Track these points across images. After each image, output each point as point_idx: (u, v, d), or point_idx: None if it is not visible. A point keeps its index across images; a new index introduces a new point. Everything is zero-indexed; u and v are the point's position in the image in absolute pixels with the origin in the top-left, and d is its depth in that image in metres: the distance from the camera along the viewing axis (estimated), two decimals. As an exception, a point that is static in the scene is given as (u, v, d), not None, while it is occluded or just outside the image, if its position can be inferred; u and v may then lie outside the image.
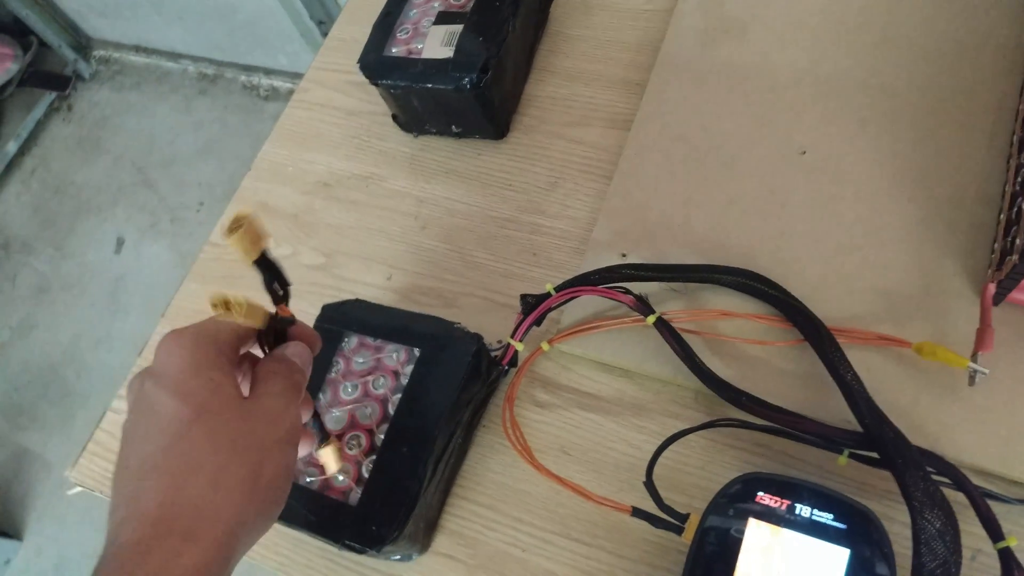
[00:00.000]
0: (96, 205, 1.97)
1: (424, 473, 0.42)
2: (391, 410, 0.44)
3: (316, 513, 0.43)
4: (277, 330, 0.38)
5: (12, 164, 2.09)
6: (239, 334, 0.36)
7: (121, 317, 1.79)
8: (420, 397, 0.44)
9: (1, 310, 1.87)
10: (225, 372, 0.33)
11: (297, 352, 0.37)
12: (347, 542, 0.42)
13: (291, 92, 0.69)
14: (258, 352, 0.38)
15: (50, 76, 2.14)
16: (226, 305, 0.33)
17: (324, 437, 0.40)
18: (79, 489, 0.56)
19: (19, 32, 2.12)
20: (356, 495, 0.43)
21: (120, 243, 1.89)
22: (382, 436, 0.43)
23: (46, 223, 1.98)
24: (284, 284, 0.38)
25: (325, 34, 0.72)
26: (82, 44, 2.16)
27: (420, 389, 0.44)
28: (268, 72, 1.96)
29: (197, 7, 1.78)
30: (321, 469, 0.42)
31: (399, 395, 0.44)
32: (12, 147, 2.08)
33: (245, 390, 0.34)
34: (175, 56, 2.08)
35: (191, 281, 0.62)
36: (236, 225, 0.34)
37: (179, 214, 1.88)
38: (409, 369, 0.45)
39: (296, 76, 1.89)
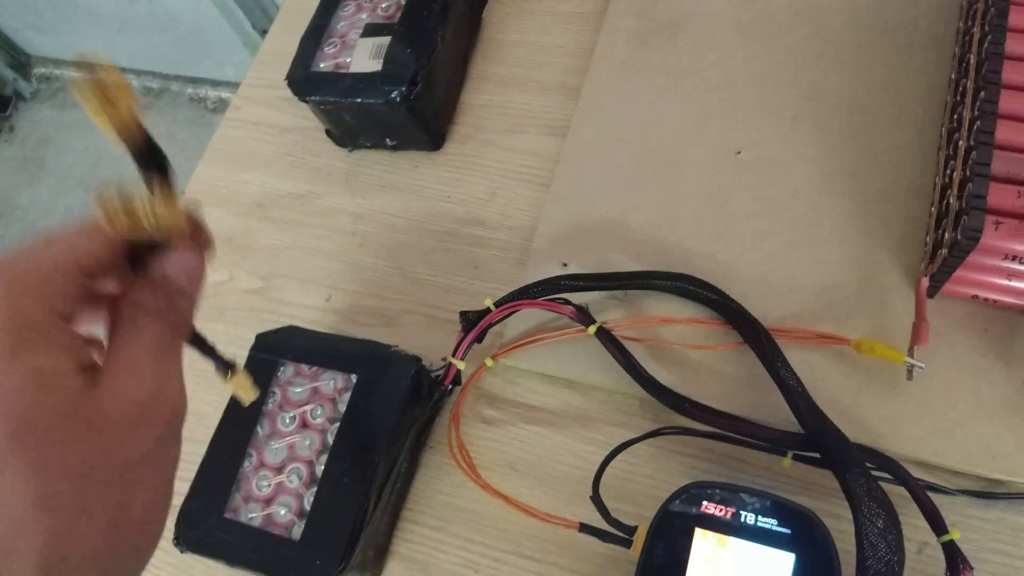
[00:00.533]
0: (43, 228, 1.92)
1: (367, 502, 0.41)
2: (330, 439, 0.43)
3: (258, 550, 0.42)
4: (152, 238, 0.26)
5: (-48, 190, 2.02)
6: (85, 265, 0.24)
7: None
8: (359, 424, 0.43)
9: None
10: (58, 350, 0.22)
11: (179, 267, 0.26)
12: (291, 577, 0.41)
13: (235, 105, 0.67)
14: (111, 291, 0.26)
15: (-12, 97, 2.08)
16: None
17: (226, 366, 0.32)
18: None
19: (-48, 53, 2.05)
20: (299, 529, 0.42)
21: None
22: (322, 467, 0.42)
23: (-9, 249, 1.92)
24: (160, 158, 0.26)
25: (263, 36, 0.70)
26: (21, 62, 2.10)
27: (358, 416, 0.43)
28: (215, 84, 1.92)
29: (137, 20, 1.73)
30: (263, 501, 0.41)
31: (337, 424, 0.43)
32: (-49, 172, 2.01)
33: (101, 356, 0.24)
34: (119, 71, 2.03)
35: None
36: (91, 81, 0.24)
37: (130, 233, 1.83)
38: (347, 396, 0.44)
39: (243, 86, 1.85)
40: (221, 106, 1.92)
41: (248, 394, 0.34)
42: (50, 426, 0.21)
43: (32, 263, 0.23)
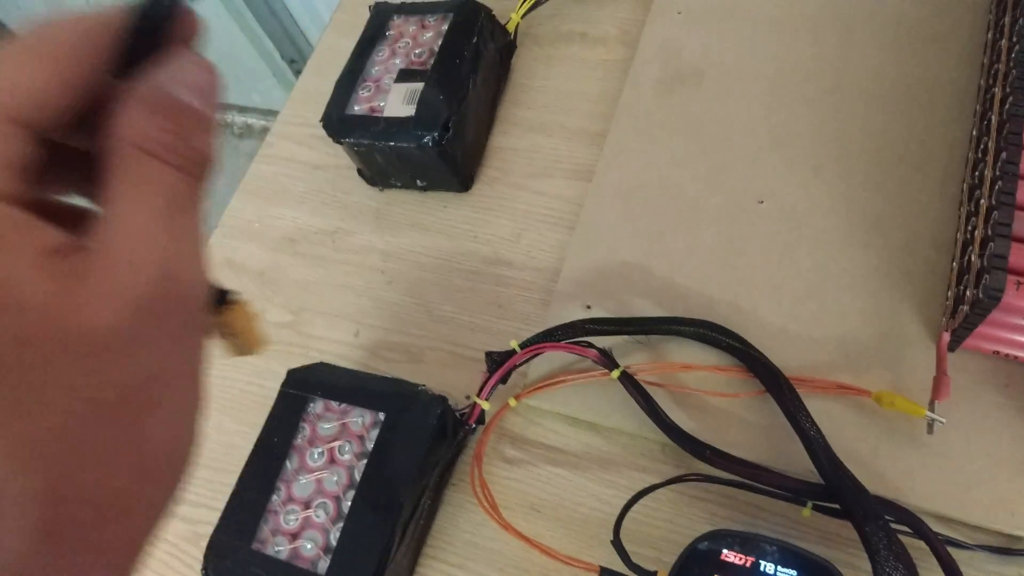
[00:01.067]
0: None
1: (392, 539, 0.42)
2: (357, 476, 0.44)
3: (284, 583, 0.42)
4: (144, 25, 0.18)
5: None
6: (31, 115, 0.17)
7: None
8: (386, 462, 0.44)
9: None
10: (9, 242, 0.16)
11: (186, 78, 0.19)
12: (316, 612, 0.42)
13: (265, 129, 0.69)
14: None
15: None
16: None
17: (220, 296, 0.24)
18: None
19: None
20: (325, 564, 0.43)
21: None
22: (348, 503, 0.43)
23: None
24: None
25: (298, 72, 0.73)
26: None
27: (385, 454, 0.44)
28: (242, 110, 1.96)
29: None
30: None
31: (364, 460, 0.44)
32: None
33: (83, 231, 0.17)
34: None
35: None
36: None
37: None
38: (374, 434, 0.45)
39: (270, 113, 1.89)
40: (247, 132, 1.96)
41: (248, 342, 0.25)
42: (11, 356, 0.15)
43: None
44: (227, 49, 1.66)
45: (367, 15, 0.64)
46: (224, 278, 0.62)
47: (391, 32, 0.61)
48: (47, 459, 0.15)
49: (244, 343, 0.25)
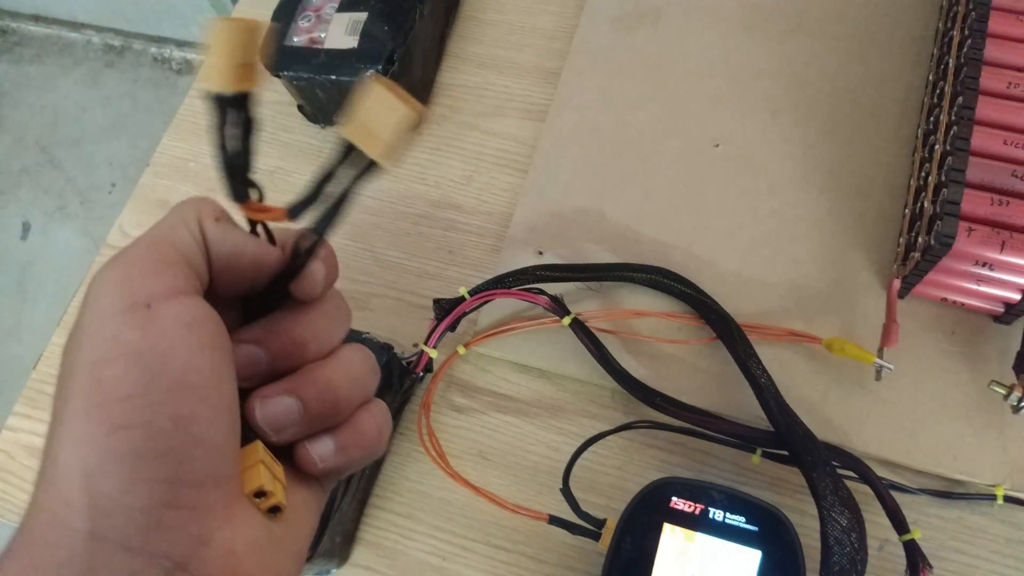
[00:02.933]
0: (-3, 189, 1.85)
1: (335, 488, 0.41)
2: (299, 426, 0.42)
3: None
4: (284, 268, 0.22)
5: (-100, 146, 1.94)
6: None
7: (30, 306, 1.69)
8: (329, 412, 0.42)
9: None
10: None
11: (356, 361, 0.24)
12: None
13: (194, 76, 0.65)
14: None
15: (-62, 49, 1.98)
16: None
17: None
18: (-29, 514, 0.52)
19: (-101, 1, 1.95)
20: (266, 516, 0.41)
21: (26, 228, 1.78)
22: (290, 454, 0.42)
23: (-58, 209, 1.85)
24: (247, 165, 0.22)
25: (235, 2, 0.68)
26: (-26, 14, 2.01)
27: (329, 403, 0.42)
28: (180, 44, 1.86)
29: (98, -26, 1.67)
30: None
31: (307, 411, 0.42)
32: (-101, 127, 1.93)
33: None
34: (78, 26, 1.95)
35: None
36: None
37: (89, 196, 1.78)
38: (317, 383, 0.43)
39: (210, 48, 1.79)
40: (186, 68, 1.86)
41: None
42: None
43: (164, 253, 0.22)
44: (163, -22, 1.57)
45: (307, -62, 0.59)
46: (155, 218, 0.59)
47: (332, -44, 0.57)
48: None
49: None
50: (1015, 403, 0.37)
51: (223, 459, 0.20)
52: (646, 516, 0.37)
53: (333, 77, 0.52)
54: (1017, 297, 0.39)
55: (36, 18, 1.99)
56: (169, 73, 1.88)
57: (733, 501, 0.37)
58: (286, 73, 0.53)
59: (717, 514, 0.37)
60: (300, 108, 0.59)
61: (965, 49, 0.42)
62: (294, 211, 0.23)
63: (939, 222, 0.37)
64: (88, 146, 1.86)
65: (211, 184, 0.59)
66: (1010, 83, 0.40)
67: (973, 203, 0.37)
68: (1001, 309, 0.41)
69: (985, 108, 0.40)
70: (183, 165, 0.61)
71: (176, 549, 0.18)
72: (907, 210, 0.44)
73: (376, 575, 0.45)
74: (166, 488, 0.18)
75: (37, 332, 1.66)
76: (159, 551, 0.18)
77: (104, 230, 0.58)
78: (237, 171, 0.22)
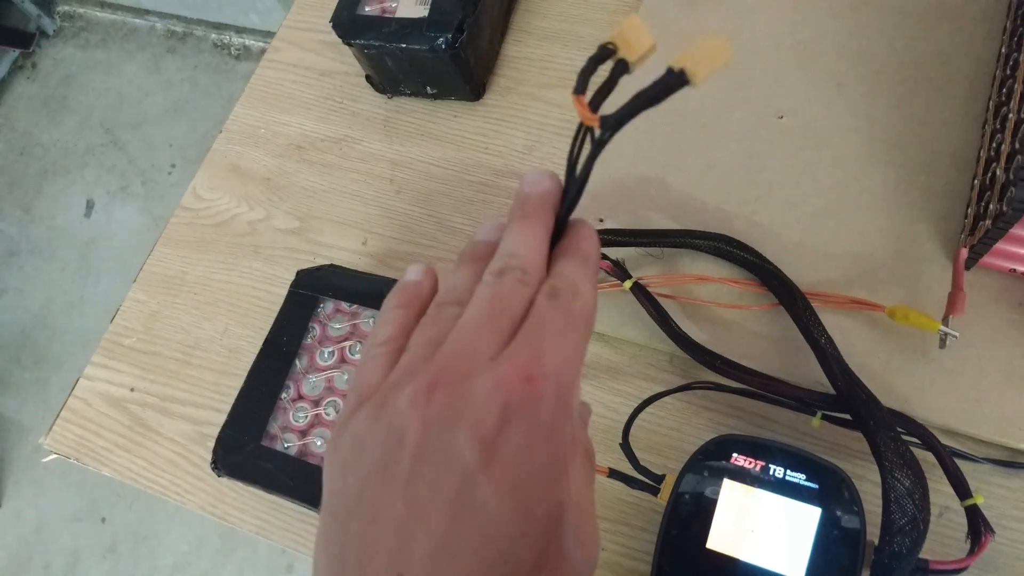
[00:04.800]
0: (64, 167, 1.92)
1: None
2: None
3: (295, 478, 0.43)
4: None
5: (-26, 124, 2.02)
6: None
7: (93, 281, 1.76)
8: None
9: (-31, 275, 1.83)
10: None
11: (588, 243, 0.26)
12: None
13: (263, 51, 0.67)
14: None
15: (13, 33, 2.07)
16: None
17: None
18: (54, 456, 0.55)
19: (-23, -14, 2.04)
20: (333, 460, 0.43)
21: (90, 206, 1.85)
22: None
23: (12, 185, 1.93)
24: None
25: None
26: (45, -1, 2.09)
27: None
28: (239, 31, 1.91)
29: (164, -38, 1.72)
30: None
31: (376, 361, 0.44)
32: (-26, 107, 2.01)
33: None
34: (142, 12, 2.02)
35: (162, 246, 0.61)
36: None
37: (150, 176, 1.84)
38: (386, 335, 0.44)
39: (268, 35, 1.84)
40: (245, 53, 1.91)
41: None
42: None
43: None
44: (225, -35, 1.61)
45: (379, -87, 0.61)
46: (229, 184, 0.61)
47: (404, -69, 0.58)
48: None
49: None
50: (1086, 372, 0.37)
51: None
52: (707, 471, 0.38)
53: (403, 45, 0.53)
54: (1091, 267, 0.39)
55: (102, 4, 2.07)
56: (228, 59, 1.93)
57: (794, 458, 0.37)
58: (357, 41, 0.55)
59: (778, 471, 0.37)
60: (368, 78, 0.61)
61: (1043, 19, 0.41)
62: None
63: (1012, 188, 0.37)
64: (150, 128, 1.92)
65: (279, 150, 0.61)
66: (1090, 51, 0.39)
67: (1048, 170, 0.37)
68: (1073, 280, 0.40)
69: (1063, 76, 0.39)
70: (254, 132, 0.63)
71: None
72: (976, 181, 0.44)
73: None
74: None
75: (100, 305, 1.72)
76: None
77: (164, 209, 0.61)
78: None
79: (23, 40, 2.06)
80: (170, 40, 2.01)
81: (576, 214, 0.27)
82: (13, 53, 2.06)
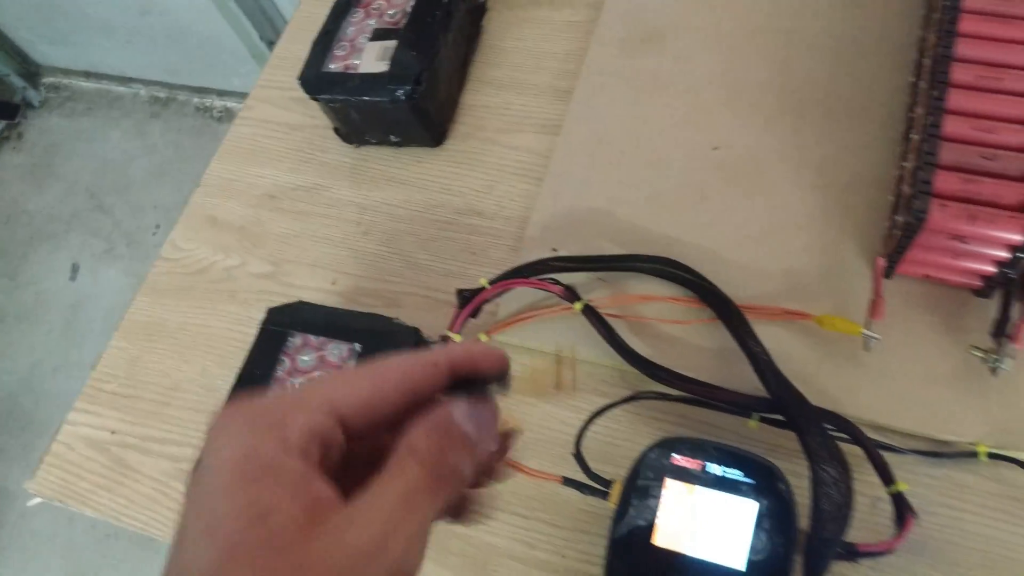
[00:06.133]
0: (49, 232, 1.96)
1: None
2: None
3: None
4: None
5: (-39, 195, 2.06)
6: (341, 406, 0.24)
7: (79, 343, 1.78)
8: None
9: (-45, 342, 1.85)
10: (281, 487, 0.21)
11: (468, 413, 0.25)
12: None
13: (239, 110, 0.71)
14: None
15: (-2, 105, 2.13)
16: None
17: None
18: (38, 500, 0.57)
19: (-35, 62, 2.10)
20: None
21: (75, 269, 1.88)
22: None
23: (-2, 252, 1.96)
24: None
25: (272, 47, 0.75)
26: (31, 71, 2.15)
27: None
28: (221, 94, 1.97)
29: (147, 32, 1.79)
30: None
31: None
32: (-39, 178, 2.05)
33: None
34: (126, 80, 2.08)
35: (143, 295, 0.64)
36: None
37: (135, 237, 1.88)
38: (351, 364, 0.47)
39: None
40: (227, 115, 1.97)
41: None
42: (256, 558, 0.20)
43: (278, 402, 0.24)
44: (208, 33, 1.67)
45: (342, -20, 0.66)
46: (207, 234, 0.65)
47: (365, -6, 0.63)
48: None
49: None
50: (993, 364, 0.40)
51: None
52: (650, 472, 0.41)
53: (366, 98, 0.58)
54: (993, 270, 0.42)
55: (87, 74, 2.13)
56: (210, 121, 1.99)
57: (730, 456, 0.40)
58: (324, 96, 0.59)
59: (716, 468, 0.40)
60: (335, 130, 0.65)
61: (937, 48, 0.46)
62: None
63: (915, 200, 0.41)
64: (135, 191, 1.96)
65: (253, 200, 0.65)
66: (978, 76, 0.44)
67: (945, 182, 0.41)
68: (980, 283, 0.44)
69: (956, 99, 0.43)
70: (229, 185, 0.67)
71: None
72: (891, 197, 0.48)
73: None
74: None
75: (86, 367, 1.73)
76: None
77: (148, 268, 0.64)
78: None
79: (8, 112, 2.12)
80: (154, 106, 2.07)
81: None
82: (-1, 124, 2.12)
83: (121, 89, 2.10)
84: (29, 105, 2.16)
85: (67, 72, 2.16)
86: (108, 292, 1.81)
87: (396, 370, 0.25)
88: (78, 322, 1.80)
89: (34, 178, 2.06)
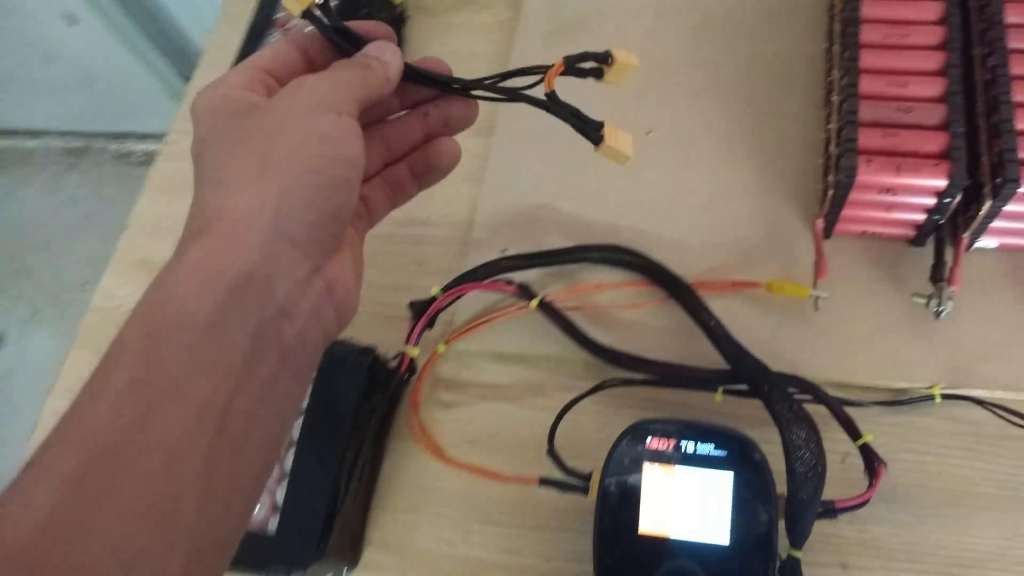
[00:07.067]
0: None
1: (337, 490, 0.44)
2: (295, 434, 0.45)
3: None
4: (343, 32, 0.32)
5: None
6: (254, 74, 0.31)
7: (11, 417, 1.69)
8: (321, 417, 0.45)
9: None
10: (243, 79, 0.30)
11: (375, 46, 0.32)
12: (271, 570, 0.42)
13: (164, 153, 0.69)
14: None
15: (-101, 174, 2.01)
16: None
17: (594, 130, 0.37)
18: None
19: None
20: (274, 522, 0.44)
21: (1, 339, 1.79)
22: (290, 461, 0.44)
23: (-84, 330, 1.85)
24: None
25: (188, 81, 0.73)
26: (-69, 133, 2.05)
27: (321, 408, 0.45)
28: (141, 137, 1.91)
29: (54, 80, 1.72)
30: None
31: (301, 418, 0.45)
32: None
33: None
34: (35, 134, 2.00)
35: (78, 350, 0.61)
36: None
37: (63, 296, 1.80)
38: (307, 390, 0.46)
39: (169, 137, 1.85)
40: (148, 160, 1.90)
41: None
42: (230, 120, 0.29)
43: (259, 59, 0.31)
44: (119, 76, 1.62)
45: (254, 5, 0.64)
46: (140, 277, 0.62)
47: (280, 15, 0.62)
48: (255, 150, 0.28)
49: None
50: (936, 309, 0.42)
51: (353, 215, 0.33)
52: (626, 459, 0.41)
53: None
54: (923, 218, 0.44)
55: None
56: (131, 167, 1.93)
57: (701, 431, 0.40)
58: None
59: (689, 446, 0.40)
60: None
61: (845, 11, 0.48)
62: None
63: (843, 158, 0.42)
64: (57, 249, 1.88)
65: (188, 237, 0.63)
66: (886, 34, 0.45)
67: (868, 138, 0.42)
68: (913, 232, 0.46)
69: (868, 58, 0.45)
70: (158, 224, 0.65)
71: (321, 255, 0.29)
72: (821, 160, 0.49)
73: (389, 571, 0.47)
74: (327, 216, 0.28)
75: (21, 441, 1.65)
76: (310, 252, 0.28)
77: (81, 324, 0.61)
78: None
79: (-87, 180, 2.01)
80: (69, 157, 1.99)
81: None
82: (-97, 195, 2.01)
83: (30, 143, 2.02)
84: (-67, 168, 2.05)
85: (-28, 129, 2.06)
86: (39, 358, 1.73)
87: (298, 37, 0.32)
88: (10, 394, 1.72)
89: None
